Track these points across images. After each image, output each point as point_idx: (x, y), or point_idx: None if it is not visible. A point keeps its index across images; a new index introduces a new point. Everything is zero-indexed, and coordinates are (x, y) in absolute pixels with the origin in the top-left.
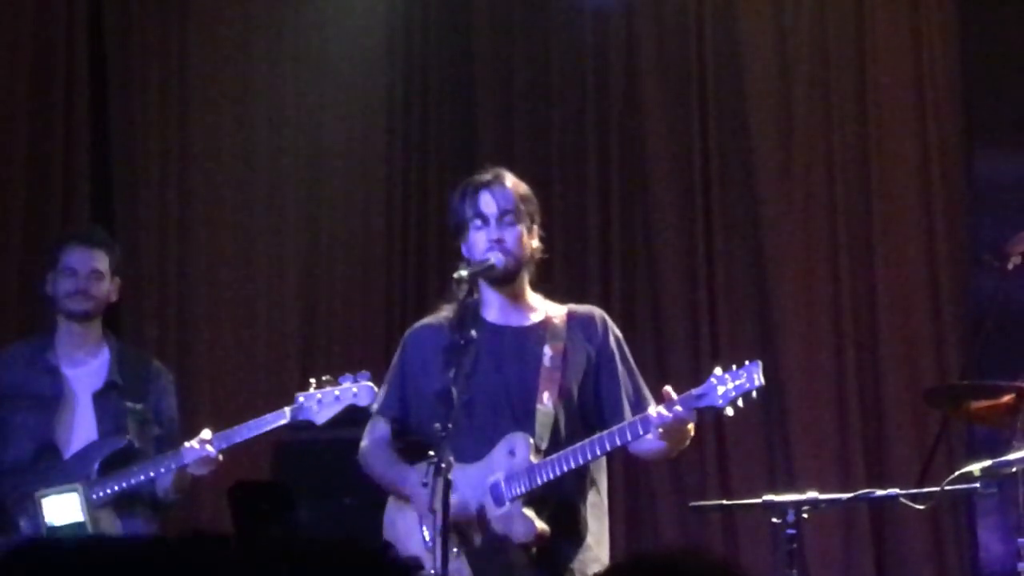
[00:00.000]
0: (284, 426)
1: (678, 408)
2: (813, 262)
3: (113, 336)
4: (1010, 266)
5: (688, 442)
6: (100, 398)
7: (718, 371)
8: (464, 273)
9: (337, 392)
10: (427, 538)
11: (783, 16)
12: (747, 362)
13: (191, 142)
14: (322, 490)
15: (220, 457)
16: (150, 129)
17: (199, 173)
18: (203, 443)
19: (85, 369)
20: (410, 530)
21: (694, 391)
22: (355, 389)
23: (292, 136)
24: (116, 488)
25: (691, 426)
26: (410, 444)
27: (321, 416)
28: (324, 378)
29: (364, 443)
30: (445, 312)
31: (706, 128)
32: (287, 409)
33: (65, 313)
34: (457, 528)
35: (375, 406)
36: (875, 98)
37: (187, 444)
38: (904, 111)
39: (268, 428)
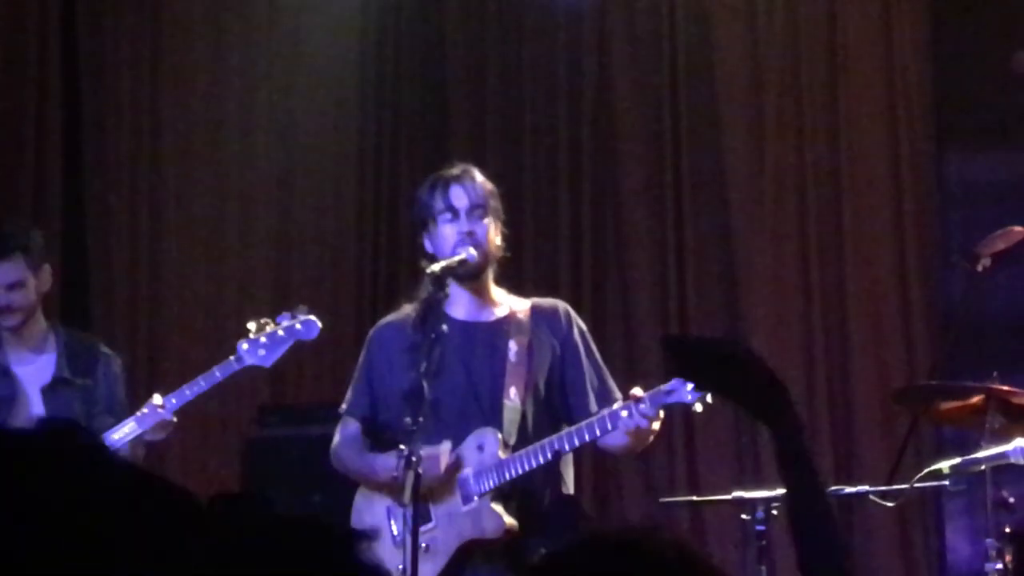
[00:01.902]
0: (255, 422)
1: (645, 407)
2: (783, 261)
3: (60, 325)
4: (980, 268)
5: (652, 438)
6: (49, 393)
7: None
8: (436, 268)
9: (280, 331)
10: (395, 532)
11: (755, 17)
12: None
13: (162, 129)
14: (291, 487)
15: (175, 419)
16: (122, 113)
17: (170, 164)
18: (154, 407)
19: (33, 367)
20: (378, 525)
21: (663, 387)
22: (298, 325)
23: (264, 126)
24: None
25: (656, 424)
26: (379, 441)
27: (269, 359)
28: (262, 321)
29: (335, 441)
30: (408, 309)
31: (678, 123)
32: (232, 359)
33: None
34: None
35: (343, 406)
36: (846, 99)
37: (138, 412)
38: (875, 112)
39: (219, 380)
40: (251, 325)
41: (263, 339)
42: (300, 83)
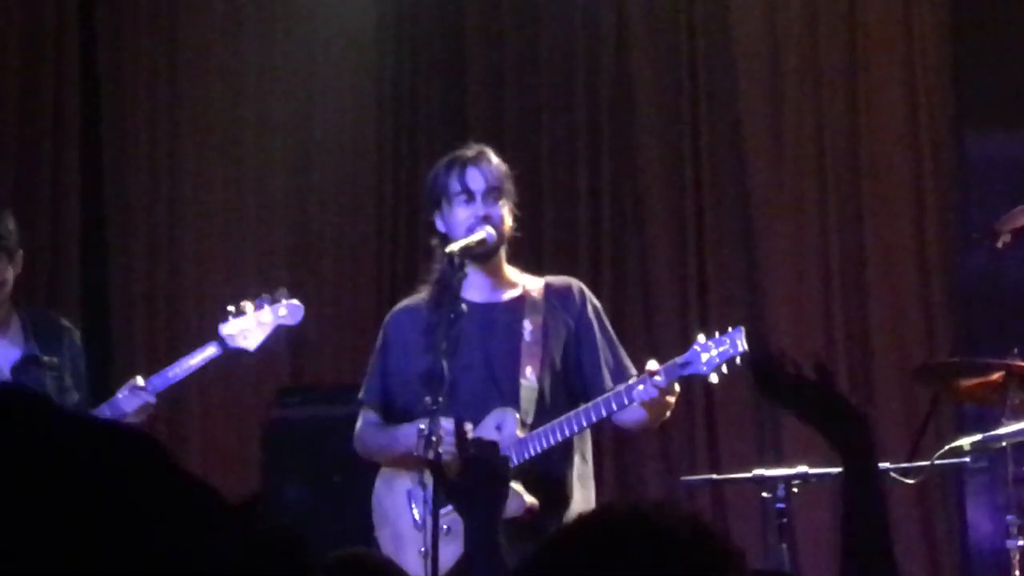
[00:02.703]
0: (275, 403)
1: (659, 379)
2: (803, 238)
3: (21, 305)
4: (1000, 244)
5: (669, 412)
6: (19, 371)
7: (701, 338)
8: (456, 248)
9: (265, 317)
10: (416, 517)
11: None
12: (730, 328)
13: (180, 128)
14: (311, 468)
15: (155, 400)
16: (140, 115)
17: (188, 163)
18: (136, 388)
19: (0, 345)
20: (399, 509)
21: (678, 359)
22: (283, 310)
23: (282, 114)
24: None
25: (672, 398)
26: (399, 421)
27: (252, 342)
28: (243, 304)
29: (357, 430)
30: (423, 294)
31: (696, 102)
32: (213, 344)
33: None
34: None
35: (361, 395)
36: (866, 77)
37: (119, 393)
38: (895, 90)
39: (198, 364)
40: (231, 308)
41: (245, 323)
42: (318, 76)
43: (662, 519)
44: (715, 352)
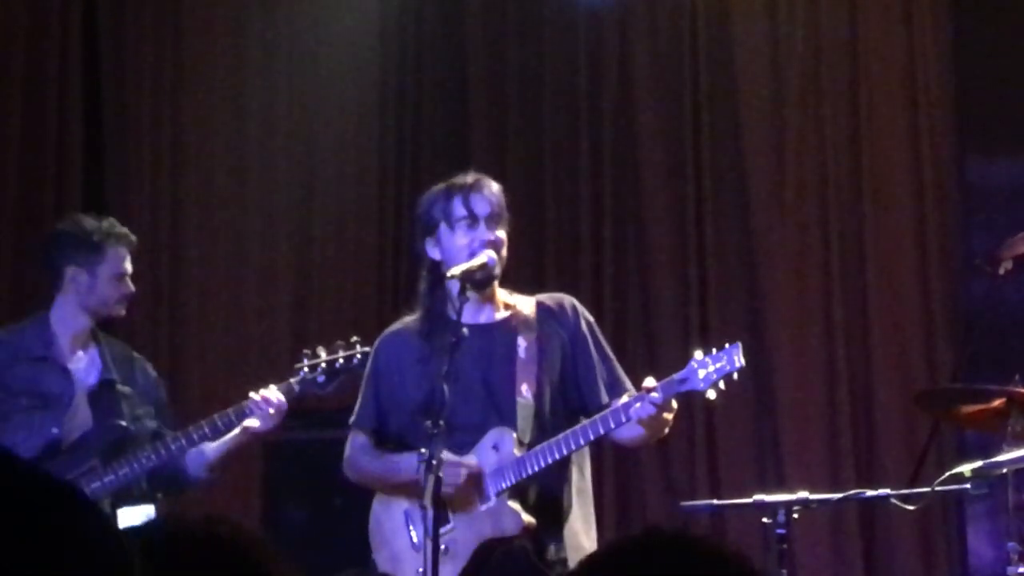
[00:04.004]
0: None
1: (656, 395)
2: (805, 265)
3: (99, 336)
4: (1001, 271)
5: (668, 429)
6: (97, 395)
7: (698, 355)
8: (457, 271)
9: (340, 360)
10: (414, 539)
11: (776, 23)
12: (727, 344)
13: (184, 143)
14: (312, 490)
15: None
16: (142, 131)
17: (191, 174)
18: (266, 398)
19: (82, 366)
20: (397, 530)
21: (675, 376)
22: (357, 356)
23: (285, 135)
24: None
25: (669, 415)
26: (391, 449)
27: (327, 386)
28: (318, 348)
29: (347, 453)
30: (411, 319)
31: (698, 127)
32: (293, 381)
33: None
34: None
35: (353, 419)
36: (868, 103)
37: (253, 396)
38: (897, 116)
39: (275, 405)
40: (307, 351)
41: (323, 365)
42: (321, 94)
43: (708, 548)
44: (712, 368)
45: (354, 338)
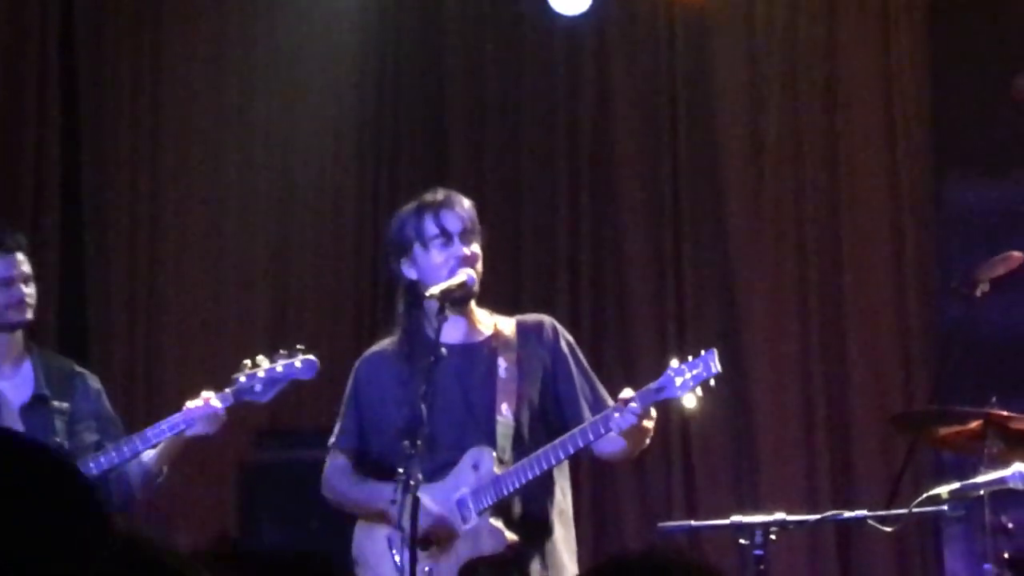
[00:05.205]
0: (252, 447)
1: (634, 405)
2: (781, 285)
3: (34, 350)
4: (978, 293)
5: (648, 440)
6: (27, 411)
7: (674, 363)
8: (436, 291)
9: (279, 369)
10: (397, 560)
11: (754, 41)
12: (703, 351)
13: (161, 144)
14: (289, 512)
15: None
16: (120, 132)
17: (169, 177)
18: (207, 401)
19: (11, 383)
20: (379, 553)
21: (652, 385)
22: (297, 363)
23: (263, 155)
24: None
25: (649, 424)
26: (372, 472)
27: (266, 395)
28: (259, 358)
29: (325, 474)
30: (390, 340)
31: (676, 145)
32: (228, 391)
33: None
34: (427, 545)
35: (333, 440)
36: (845, 123)
37: (189, 404)
38: (874, 137)
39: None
40: (247, 362)
41: (260, 374)
42: (299, 101)
43: (678, 568)
44: (689, 375)
45: (299, 346)
